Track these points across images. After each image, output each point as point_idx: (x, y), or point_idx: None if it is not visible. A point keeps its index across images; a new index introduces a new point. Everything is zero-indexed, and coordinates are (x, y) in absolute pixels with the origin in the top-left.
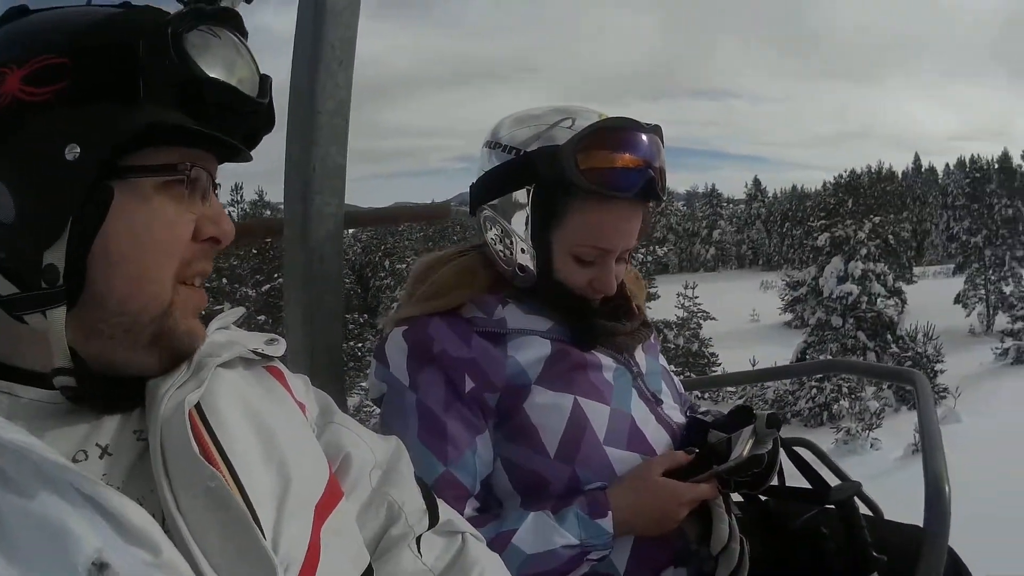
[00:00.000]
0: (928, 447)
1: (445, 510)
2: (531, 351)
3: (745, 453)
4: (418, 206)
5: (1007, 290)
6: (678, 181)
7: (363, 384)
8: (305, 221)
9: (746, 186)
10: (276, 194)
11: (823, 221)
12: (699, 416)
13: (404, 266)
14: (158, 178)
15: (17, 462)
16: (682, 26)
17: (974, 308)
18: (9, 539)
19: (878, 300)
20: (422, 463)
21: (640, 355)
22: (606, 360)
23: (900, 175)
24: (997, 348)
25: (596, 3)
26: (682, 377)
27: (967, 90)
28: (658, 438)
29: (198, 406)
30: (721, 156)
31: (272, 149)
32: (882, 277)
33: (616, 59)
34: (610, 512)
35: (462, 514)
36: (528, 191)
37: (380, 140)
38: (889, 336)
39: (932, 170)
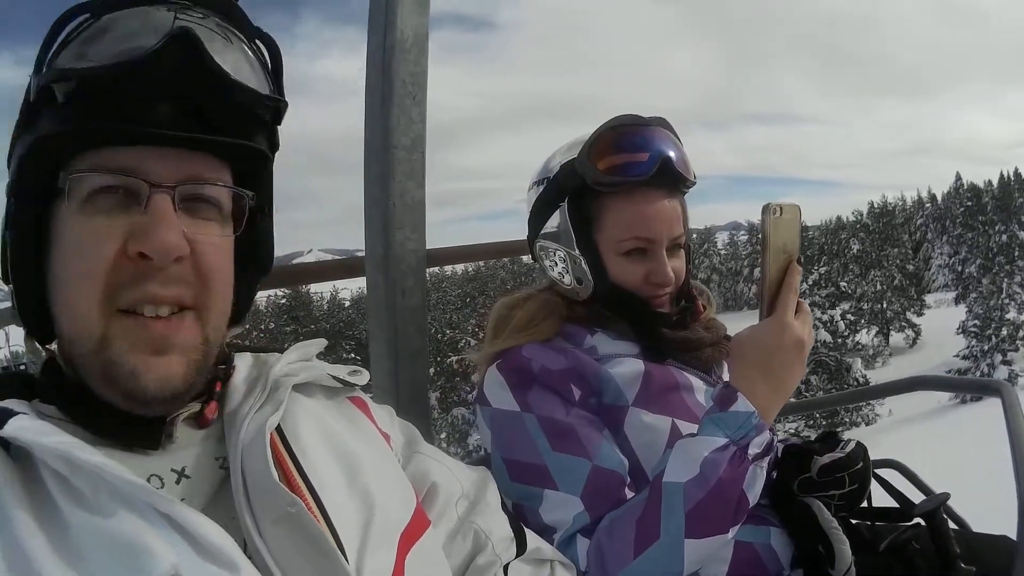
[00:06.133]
0: (1019, 458)
1: (533, 539)
2: (626, 368)
3: None
4: (498, 243)
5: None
6: (747, 211)
7: None
8: (387, 256)
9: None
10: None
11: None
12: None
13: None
14: (82, 192)
15: (93, 482)
16: (739, 54)
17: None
18: (80, 555)
19: (842, 344)
20: (568, 472)
21: (728, 377)
22: (697, 382)
23: (940, 197)
24: None
25: (654, 40)
26: None
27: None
28: None
29: (280, 431)
30: (791, 183)
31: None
32: (830, 323)
33: (676, 91)
34: (739, 394)
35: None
36: (562, 207)
37: (451, 183)
38: (854, 380)
39: (974, 187)
